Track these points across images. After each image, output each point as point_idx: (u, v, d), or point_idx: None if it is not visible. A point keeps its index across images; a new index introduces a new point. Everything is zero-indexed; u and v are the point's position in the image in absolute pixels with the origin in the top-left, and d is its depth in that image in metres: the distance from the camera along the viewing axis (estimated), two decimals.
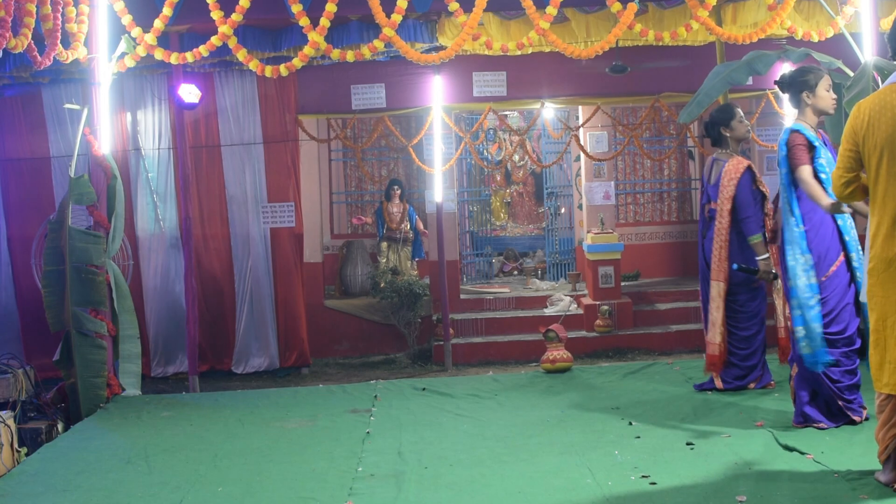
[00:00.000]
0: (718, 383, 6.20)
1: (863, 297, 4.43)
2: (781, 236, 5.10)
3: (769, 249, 5.97)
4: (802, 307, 4.95)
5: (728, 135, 6.18)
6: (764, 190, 6.14)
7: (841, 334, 5.00)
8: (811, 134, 5.03)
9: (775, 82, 5.35)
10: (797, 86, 5.12)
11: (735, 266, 5.96)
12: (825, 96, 5.09)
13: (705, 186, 6.32)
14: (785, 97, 5.47)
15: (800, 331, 4.96)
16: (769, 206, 6.09)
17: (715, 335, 6.16)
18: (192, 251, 8.49)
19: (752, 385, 6.18)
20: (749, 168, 6.11)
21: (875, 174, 3.92)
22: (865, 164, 3.97)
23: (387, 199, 11.52)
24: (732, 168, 6.09)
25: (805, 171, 4.85)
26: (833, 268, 5.00)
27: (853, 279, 5.02)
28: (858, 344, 5.03)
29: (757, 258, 5.97)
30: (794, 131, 5.02)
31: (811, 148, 4.97)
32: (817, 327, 4.92)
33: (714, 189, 6.17)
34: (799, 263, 4.97)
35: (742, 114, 6.25)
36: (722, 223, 6.09)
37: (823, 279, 4.98)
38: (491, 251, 12.89)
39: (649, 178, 12.60)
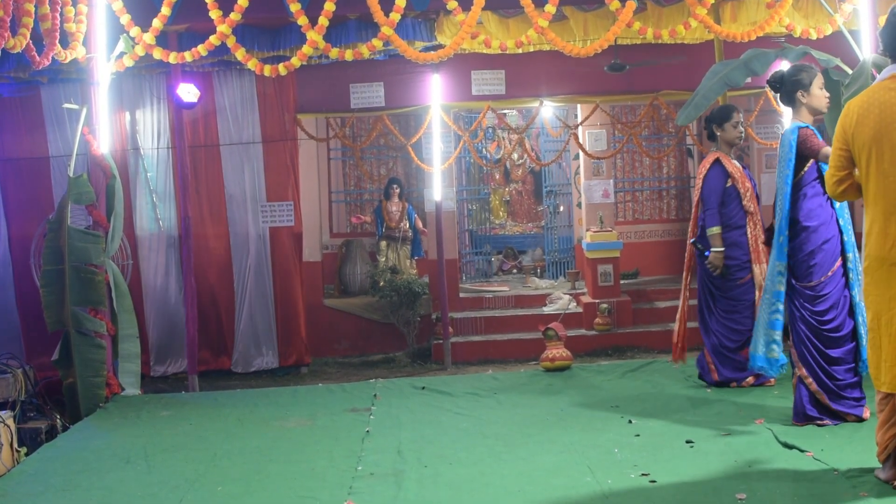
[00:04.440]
0: (714, 375, 6.25)
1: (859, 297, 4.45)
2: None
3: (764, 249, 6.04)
4: (765, 311, 5.08)
5: (719, 134, 6.26)
6: (739, 188, 6.16)
7: (839, 331, 5.01)
8: (813, 129, 5.08)
9: (767, 82, 5.37)
10: (791, 85, 5.14)
11: (692, 240, 6.27)
12: (819, 95, 5.14)
13: None
14: (776, 96, 5.47)
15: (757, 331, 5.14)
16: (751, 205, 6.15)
17: (676, 321, 6.51)
18: (192, 250, 8.48)
19: (750, 380, 6.17)
20: (717, 162, 6.22)
21: (865, 172, 3.93)
22: (857, 162, 3.98)
23: (386, 198, 11.52)
24: (704, 165, 6.30)
25: (827, 149, 4.83)
26: (837, 264, 5.03)
27: (847, 278, 5.05)
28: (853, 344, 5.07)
29: (712, 249, 6.13)
30: (802, 128, 5.04)
31: None
32: (773, 334, 5.06)
33: None
34: (778, 267, 5.05)
35: (740, 119, 6.31)
36: (694, 216, 6.36)
37: (830, 274, 5.02)
38: (490, 250, 12.90)
39: (648, 176, 12.60)
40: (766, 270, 5.35)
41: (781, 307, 5.07)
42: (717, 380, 6.24)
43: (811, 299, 5.04)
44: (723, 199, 6.16)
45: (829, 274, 5.01)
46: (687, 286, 6.45)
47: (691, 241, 6.30)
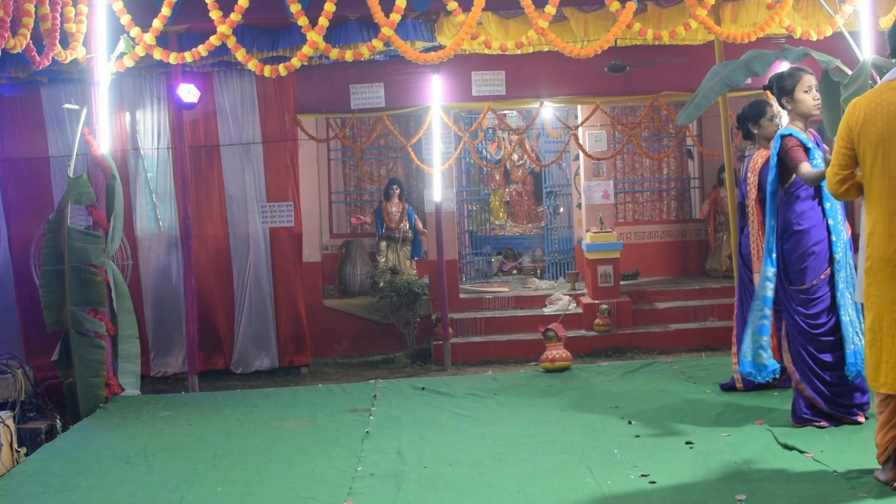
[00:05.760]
0: (739, 384, 6.11)
1: (857, 298, 4.40)
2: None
3: None
4: (754, 317, 5.08)
5: (756, 132, 6.12)
6: None
7: (832, 334, 4.99)
8: (803, 136, 5.03)
9: (763, 87, 5.38)
10: (777, 92, 5.15)
11: None
12: (804, 98, 5.08)
13: (740, 183, 6.24)
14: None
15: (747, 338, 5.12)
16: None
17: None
18: (191, 251, 8.48)
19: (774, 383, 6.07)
20: None
21: (870, 172, 3.91)
22: (860, 161, 3.96)
23: (386, 199, 11.53)
24: (756, 160, 6.03)
25: (805, 166, 4.85)
26: (829, 268, 5.00)
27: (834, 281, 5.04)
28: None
29: None
30: (785, 136, 5.01)
31: (806, 150, 4.98)
32: (761, 339, 5.06)
33: (745, 184, 6.09)
34: (767, 273, 5.07)
35: (774, 113, 6.13)
36: (754, 217, 6.01)
37: (822, 277, 4.99)
38: (490, 250, 12.91)
39: (648, 177, 12.60)
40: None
41: (769, 312, 5.08)
42: (741, 388, 6.09)
43: (804, 303, 5.02)
44: None
45: (822, 277, 5.00)
46: None
47: None
